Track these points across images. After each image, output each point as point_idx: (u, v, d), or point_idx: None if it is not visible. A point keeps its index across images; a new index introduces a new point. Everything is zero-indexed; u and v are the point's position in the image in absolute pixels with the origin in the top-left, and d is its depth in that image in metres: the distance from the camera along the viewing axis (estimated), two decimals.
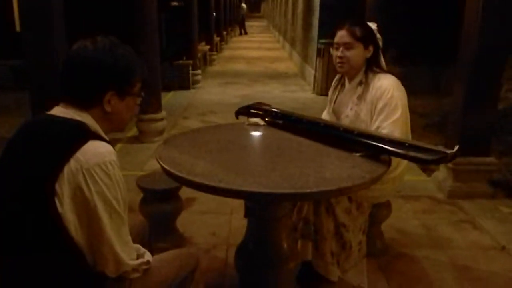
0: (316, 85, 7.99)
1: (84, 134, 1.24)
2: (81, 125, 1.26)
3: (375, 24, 2.34)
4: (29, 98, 3.40)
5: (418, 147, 1.71)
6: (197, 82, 8.61)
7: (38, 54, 3.33)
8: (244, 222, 2.07)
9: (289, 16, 14.89)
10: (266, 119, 2.34)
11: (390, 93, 2.16)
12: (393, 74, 2.30)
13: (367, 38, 2.20)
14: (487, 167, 3.61)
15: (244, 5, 26.09)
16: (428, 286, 2.46)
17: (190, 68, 8.34)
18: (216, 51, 13.44)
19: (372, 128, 2.17)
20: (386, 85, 2.18)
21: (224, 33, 17.80)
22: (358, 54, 2.20)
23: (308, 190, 1.54)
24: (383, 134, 1.89)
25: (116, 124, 1.39)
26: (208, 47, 11.60)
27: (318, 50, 7.67)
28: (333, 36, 2.27)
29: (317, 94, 7.88)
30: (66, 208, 1.17)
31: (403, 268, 2.62)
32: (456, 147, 1.64)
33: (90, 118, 1.30)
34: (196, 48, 8.98)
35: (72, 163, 1.17)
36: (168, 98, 7.53)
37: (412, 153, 1.68)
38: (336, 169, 1.73)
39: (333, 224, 2.21)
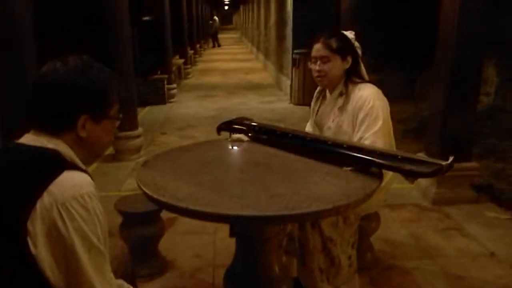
0: (293, 95, 7.97)
1: (57, 164, 1.12)
2: (54, 154, 1.15)
3: (353, 33, 2.29)
4: None
5: (411, 160, 1.65)
6: (172, 96, 8.48)
7: (6, 75, 3.17)
8: (230, 241, 1.96)
9: (262, 27, 14.93)
10: (250, 134, 2.25)
11: (370, 103, 2.10)
12: (373, 83, 2.25)
13: (344, 49, 2.15)
14: (469, 172, 3.60)
15: (216, 18, 26.11)
16: None
17: (165, 82, 8.21)
18: (190, 64, 13.33)
19: (355, 139, 2.11)
20: (367, 95, 2.13)
21: (198, 45, 17.71)
22: (336, 66, 2.15)
23: (302, 211, 1.45)
24: (373, 147, 1.83)
25: (93, 150, 1.28)
26: (182, 60, 11.49)
27: (294, 60, 7.66)
28: (310, 49, 2.21)
29: (294, 104, 7.86)
30: (41, 248, 1.05)
31: (396, 281, 2.56)
32: (451, 158, 1.59)
33: (64, 145, 1.19)
34: (171, 62, 8.87)
35: (46, 198, 1.06)
36: (144, 113, 7.38)
37: (407, 167, 1.62)
38: (329, 186, 1.65)
39: (320, 239, 2.13)
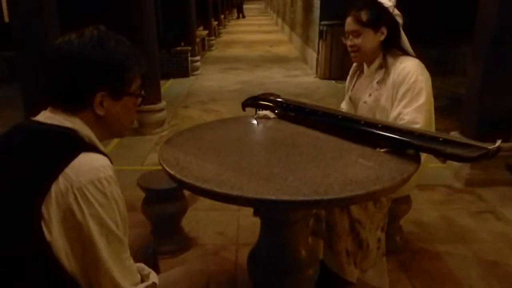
0: (319, 68, 7.76)
1: (74, 145, 1.04)
2: (71, 133, 1.07)
3: (393, 0, 2.12)
4: (20, 91, 3.20)
5: (453, 142, 1.51)
6: (196, 68, 8.38)
7: (28, 45, 3.12)
8: (254, 218, 1.88)
9: None
10: (276, 111, 2.14)
11: (413, 77, 1.96)
12: (415, 56, 2.10)
13: (375, 20, 2.00)
14: (507, 152, 3.41)
15: None
16: (455, 287, 2.29)
17: (189, 55, 8.09)
18: (214, 35, 13.14)
19: (393, 114, 1.98)
20: (409, 68, 1.98)
21: (222, 16, 17.45)
22: (368, 40, 2.01)
23: (334, 196, 1.35)
24: (411, 128, 1.69)
25: (113, 129, 1.19)
26: (206, 32, 11.32)
27: (321, 33, 7.42)
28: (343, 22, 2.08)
29: (320, 78, 7.66)
30: (56, 235, 0.98)
31: (426, 265, 2.45)
32: (498, 142, 1.45)
33: (82, 124, 1.11)
34: (195, 34, 8.73)
35: (61, 182, 0.98)
36: (167, 86, 7.32)
37: (449, 150, 1.49)
38: (362, 169, 1.54)
39: (348, 221, 2.03)
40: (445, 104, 5.71)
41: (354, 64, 2.26)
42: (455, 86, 6.53)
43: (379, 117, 2.07)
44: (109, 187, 1.03)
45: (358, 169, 1.54)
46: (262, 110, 2.22)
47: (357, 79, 2.20)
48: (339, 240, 2.02)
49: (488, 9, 3.24)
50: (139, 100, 1.21)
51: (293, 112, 2.06)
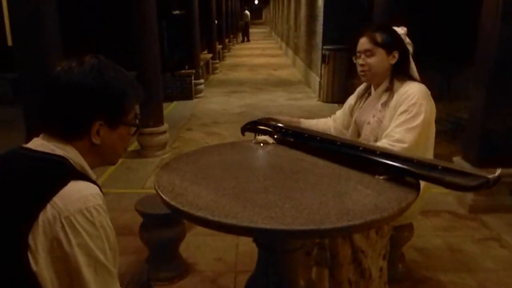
0: (321, 92, 7.78)
1: (64, 174, 1.03)
2: (61, 161, 1.05)
3: (404, 29, 2.17)
4: (23, 113, 3.21)
5: (453, 171, 1.49)
6: (199, 91, 8.43)
7: (30, 67, 3.15)
8: (253, 244, 1.84)
9: (292, 22, 14.72)
10: (276, 136, 2.13)
11: (413, 100, 1.95)
12: (423, 83, 2.10)
13: (390, 43, 2.03)
14: (510, 178, 3.37)
15: (247, 12, 25.99)
16: None
17: (193, 78, 8.15)
18: (219, 59, 13.27)
19: (385, 132, 1.96)
20: (412, 91, 1.99)
21: (227, 40, 17.65)
22: (380, 60, 2.03)
23: (330, 226, 1.32)
24: (410, 155, 1.67)
25: (106, 158, 1.18)
26: (210, 55, 11.43)
27: (323, 57, 7.47)
28: (354, 45, 2.10)
29: (323, 101, 7.67)
30: (42, 265, 0.96)
31: None
32: (499, 170, 1.42)
33: (74, 152, 1.10)
34: (199, 57, 8.81)
35: (49, 210, 0.96)
36: (171, 109, 7.35)
37: (448, 178, 1.46)
38: (360, 197, 1.51)
39: (351, 250, 1.99)
40: (448, 129, 5.68)
41: (362, 87, 2.27)
42: (458, 110, 6.52)
43: (381, 138, 2.06)
44: (98, 216, 1.01)
45: (356, 197, 1.51)
46: (261, 135, 2.21)
47: (364, 101, 2.21)
48: (341, 269, 1.97)
49: (488, 33, 3.25)
50: (133, 129, 1.20)
51: (292, 137, 2.04)
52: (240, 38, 24.83)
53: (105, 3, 7.76)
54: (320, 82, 7.83)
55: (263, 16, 50.33)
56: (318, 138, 1.95)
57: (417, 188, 1.58)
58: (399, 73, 2.05)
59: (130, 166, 4.53)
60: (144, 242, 2.53)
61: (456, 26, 6.86)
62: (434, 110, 2.02)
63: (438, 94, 7.61)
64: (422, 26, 7.05)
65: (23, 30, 3.12)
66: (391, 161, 1.64)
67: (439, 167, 1.51)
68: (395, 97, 2.00)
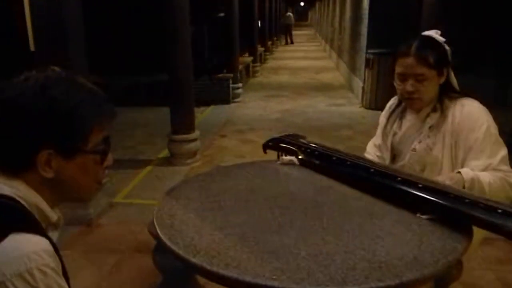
0: (364, 98, 7.38)
1: (4, 223, 0.81)
2: (4, 205, 0.84)
3: (439, 32, 1.81)
4: None
5: None
6: (237, 96, 8.23)
7: None
8: None
9: (336, 24, 14.30)
10: (300, 156, 1.86)
11: (485, 124, 1.62)
12: (472, 96, 1.76)
13: (441, 61, 1.68)
14: None
15: (290, 14, 25.68)
16: None
17: (230, 82, 7.97)
18: (260, 62, 13.05)
19: (476, 166, 1.60)
20: (477, 113, 1.65)
21: (269, 43, 17.44)
22: (432, 84, 1.68)
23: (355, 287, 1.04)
24: (460, 191, 1.36)
25: (69, 194, 0.96)
26: (251, 58, 11.24)
27: (367, 61, 7.08)
28: (393, 62, 1.75)
29: (366, 108, 7.27)
30: None
31: None
32: None
33: (25, 188, 0.88)
34: (237, 61, 8.61)
35: None
36: (207, 113, 7.19)
37: (509, 226, 1.14)
38: (396, 245, 1.22)
39: None
40: (505, 141, 5.17)
41: (393, 102, 1.93)
42: None
43: (429, 169, 1.74)
44: (44, 279, 0.79)
45: (391, 244, 1.22)
46: (285, 154, 1.95)
47: (400, 121, 1.86)
48: None
49: None
50: (103, 158, 0.96)
51: (318, 159, 1.77)
52: (283, 40, 24.53)
53: (135, 8, 7.72)
54: (363, 88, 7.44)
55: (309, 17, 49.81)
56: (349, 162, 1.66)
57: (469, 234, 1.27)
58: (448, 91, 1.72)
59: (158, 174, 4.37)
60: (157, 267, 2.32)
61: None
62: (495, 125, 1.68)
63: (494, 101, 7.08)
64: (477, 26, 6.55)
65: (46, 35, 3.02)
66: (436, 197, 1.34)
67: (499, 210, 1.20)
68: (450, 120, 1.67)
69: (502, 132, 5.43)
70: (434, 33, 1.75)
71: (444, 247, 1.20)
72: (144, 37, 7.41)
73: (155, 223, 1.39)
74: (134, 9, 7.80)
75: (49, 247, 0.83)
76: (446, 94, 1.71)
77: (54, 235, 1.00)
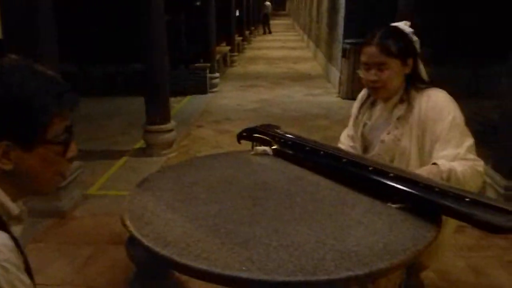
0: (341, 88, 7.42)
1: None
2: None
3: (408, 23, 1.81)
4: None
5: (486, 205, 1.19)
6: (215, 85, 8.16)
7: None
8: None
9: (314, 14, 14.29)
10: (274, 146, 1.85)
11: (451, 113, 1.63)
12: (438, 87, 1.78)
13: (404, 50, 1.68)
14: None
15: (268, 3, 25.51)
16: None
17: (208, 71, 7.89)
18: (238, 51, 12.98)
19: (443, 155, 1.59)
20: (442, 103, 1.66)
21: (247, 32, 17.34)
22: (396, 73, 1.68)
23: (324, 277, 1.05)
24: (430, 180, 1.37)
25: (30, 186, 0.93)
26: (228, 48, 11.16)
27: (344, 51, 7.10)
28: (359, 51, 1.75)
29: (343, 97, 7.31)
30: None
31: None
32: None
33: None
34: (214, 51, 8.53)
35: None
36: (184, 103, 7.12)
37: (478, 216, 1.16)
38: (366, 233, 1.22)
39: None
40: (476, 130, 5.26)
41: (364, 93, 1.94)
42: (488, 109, 6.09)
43: (398, 159, 1.75)
44: (5, 275, 0.76)
45: (362, 234, 1.23)
46: (259, 144, 1.94)
47: (369, 112, 1.87)
48: None
49: None
50: (66, 148, 0.93)
51: (292, 149, 1.77)
52: (261, 30, 24.41)
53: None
54: (340, 78, 7.48)
55: (287, 7, 49.68)
56: (322, 152, 1.66)
57: (437, 223, 1.29)
58: (414, 81, 1.72)
59: (133, 165, 4.31)
60: (132, 259, 2.29)
61: (485, 18, 6.40)
62: (462, 115, 1.70)
63: (466, 91, 7.17)
64: (450, 16, 6.63)
65: (14, 22, 2.92)
66: (406, 186, 1.35)
67: (467, 199, 1.21)
68: (417, 110, 1.68)
69: (476, 122, 5.49)
70: (402, 24, 1.75)
71: (413, 236, 1.21)
72: (122, 26, 7.25)
73: (126, 215, 1.37)
74: None
75: (9, 242, 0.80)
76: (413, 84, 1.71)
77: (17, 229, 0.97)
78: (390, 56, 1.65)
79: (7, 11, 2.97)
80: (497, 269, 2.57)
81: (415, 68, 1.72)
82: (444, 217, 1.32)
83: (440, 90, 1.71)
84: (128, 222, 1.31)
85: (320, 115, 6.29)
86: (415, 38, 1.74)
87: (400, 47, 1.66)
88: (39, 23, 2.99)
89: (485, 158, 3.42)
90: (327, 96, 7.68)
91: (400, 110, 1.71)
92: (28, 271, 0.89)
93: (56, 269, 2.62)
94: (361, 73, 1.75)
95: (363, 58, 1.71)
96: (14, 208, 0.91)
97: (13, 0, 2.90)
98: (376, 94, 1.74)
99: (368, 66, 1.70)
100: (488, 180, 3.22)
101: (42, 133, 0.87)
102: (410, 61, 1.69)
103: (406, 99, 1.70)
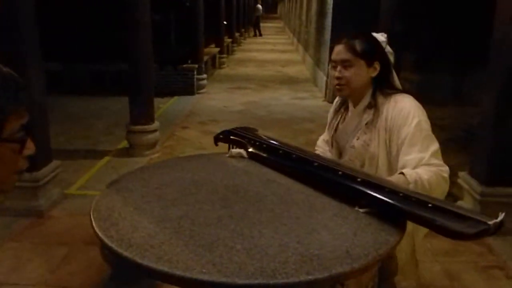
0: (327, 92, 7.47)
1: None
2: None
3: (385, 35, 1.85)
4: None
5: (447, 211, 1.20)
6: (202, 87, 8.16)
7: (2, 61, 2.92)
8: None
9: (303, 17, 14.35)
10: (249, 149, 1.86)
11: (416, 118, 1.63)
12: (409, 93, 1.80)
13: (370, 52, 1.71)
14: None
15: (259, 6, 25.57)
16: None
17: (195, 73, 7.89)
18: (227, 53, 12.98)
19: (403, 163, 1.61)
20: (408, 108, 1.67)
21: (237, 34, 17.34)
22: (359, 73, 1.71)
23: (283, 280, 1.05)
24: (395, 185, 1.38)
25: None
26: (217, 49, 11.15)
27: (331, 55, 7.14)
28: (331, 52, 1.80)
29: (329, 101, 7.34)
30: None
31: None
32: (501, 215, 1.14)
33: None
34: (202, 52, 8.53)
35: None
36: (170, 104, 7.11)
37: (439, 221, 1.17)
38: (330, 237, 1.23)
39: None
40: (457, 136, 5.35)
41: (337, 100, 1.96)
42: (471, 116, 6.17)
43: (368, 164, 1.76)
44: None
45: (326, 238, 1.23)
46: (235, 147, 1.95)
47: (341, 118, 1.89)
48: None
49: (504, 33, 2.93)
50: (17, 146, 0.91)
51: (266, 153, 1.77)
52: (252, 32, 24.45)
53: None
54: (326, 81, 7.52)
55: (278, 10, 49.80)
56: (294, 156, 1.67)
57: (402, 227, 1.30)
58: (382, 87, 1.75)
59: (115, 165, 4.29)
60: (105, 260, 2.28)
61: (468, 25, 6.48)
62: (428, 120, 1.71)
63: (449, 97, 7.21)
64: (433, 24, 6.70)
65: None
66: (372, 191, 1.36)
67: (430, 205, 1.23)
68: (383, 116, 1.70)
69: (458, 128, 5.54)
70: (379, 35, 1.79)
71: (376, 240, 1.22)
72: (109, 24, 7.21)
73: (91, 216, 1.36)
74: None
75: None
76: (380, 89, 1.74)
77: None
78: (354, 55, 1.68)
79: None
80: (471, 274, 2.60)
81: (385, 74, 1.74)
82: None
83: (407, 95, 1.73)
84: (93, 223, 1.31)
85: (306, 118, 6.32)
86: (389, 48, 1.78)
87: (366, 48, 1.69)
88: (20, 22, 2.97)
89: (465, 163, 3.48)
90: (313, 100, 7.73)
91: (368, 115, 1.73)
92: None
93: (31, 268, 2.60)
94: (330, 70, 1.80)
95: (332, 57, 1.77)
96: None
97: None
98: (341, 92, 1.76)
99: (335, 64, 1.74)
100: (465, 186, 3.25)
101: None
102: (376, 65, 1.71)
103: (374, 104, 1.72)
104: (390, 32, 3.90)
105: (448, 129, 5.60)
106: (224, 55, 12.09)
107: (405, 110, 1.64)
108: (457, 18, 6.57)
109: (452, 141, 5.13)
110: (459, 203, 3.29)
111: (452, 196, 3.56)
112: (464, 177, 3.23)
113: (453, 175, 3.81)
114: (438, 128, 5.87)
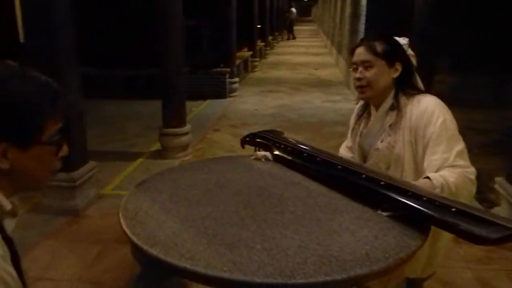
0: None
1: None
2: None
3: (406, 39, 1.85)
4: None
5: (471, 216, 1.18)
6: (234, 90, 8.24)
7: (41, 66, 3.06)
8: None
9: (337, 20, 14.25)
10: (275, 152, 1.88)
11: (440, 117, 1.61)
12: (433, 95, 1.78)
13: (391, 53, 1.70)
14: None
15: (293, 10, 25.58)
16: None
17: (227, 76, 7.98)
18: (260, 57, 13.04)
19: (428, 163, 1.60)
20: (432, 107, 1.65)
21: (270, 37, 17.40)
22: (381, 74, 1.70)
23: (301, 281, 1.06)
24: (419, 189, 1.37)
25: (26, 184, 0.98)
26: (249, 53, 11.23)
27: None
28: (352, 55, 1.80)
29: None
30: None
31: None
32: None
33: None
34: (234, 56, 8.62)
35: None
36: (202, 108, 7.21)
37: (463, 226, 1.16)
38: (351, 240, 1.24)
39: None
40: (495, 140, 5.17)
41: (359, 104, 1.96)
42: (509, 119, 5.96)
43: (393, 166, 1.75)
44: None
45: (346, 240, 1.24)
46: (261, 150, 1.97)
47: (364, 123, 1.89)
48: None
49: None
50: (58, 148, 0.98)
51: (290, 155, 1.79)
52: (285, 35, 24.46)
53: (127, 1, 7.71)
54: None
55: (312, 13, 49.61)
56: (319, 159, 1.68)
57: (425, 232, 1.29)
58: (404, 88, 1.73)
59: (149, 167, 4.39)
60: (135, 258, 2.34)
61: (507, 27, 6.28)
62: (454, 119, 1.68)
63: (486, 101, 6.99)
64: (470, 26, 6.52)
65: (35, 27, 3.03)
66: (395, 195, 1.35)
67: (453, 209, 1.21)
68: (408, 116, 1.68)
69: (497, 131, 5.38)
70: (401, 39, 1.78)
71: (398, 244, 1.22)
72: (142, 31, 7.41)
73: (120, 214, 1.41)
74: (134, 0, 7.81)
75: None
76: (403, 90, 1.72)
77: (11, 223, 1.02)
78: (375, 55, 1.68)
79: (27, 16, 3.10)
80: (504, 283, 2.52)
81: (406, 75, 1.73)
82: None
83: (431, 95, 1.72)
84: (122, 221, 1.36)
85: (337, 121, 6.27)
86: (410, 51, 1.78)
87: (386, 49, 1.68)
88: (58, 28, 3.09)
89: (502, 169, 3.37)
90: (345, 103, 7.66)
91: (391, 117, 1.72)
92: (17, 264, 0.94)
93: (66, 265, 2.71)
94: (352, 72, 1.80)
95: (353, 59, 1.77)
96: (6, 203, 0.96)
97: (34, 5, 3.01)
98: (363, 93, 1.76)
99: (356, 66, 1.75)
100: (502, 191, 3.16)
101: (37, 135, 0.92)
102: (398, 66, 1.70)
103: (397, 106, 1.71)
104: (424, 35, 3.85)
105: (486, 132, 5.44)
106: (257, 59, 12.16)
107: (429, 109, 1.63)
108: (496, 20, 6.38)
109: (490, 145, 4.98)
110: (496, 209, 3.19)
111: (489, 202, 3.46)
112: (501, 183, 3.13)
113: (490, 180, 3.70)
114: (476, 131, 5.75)
